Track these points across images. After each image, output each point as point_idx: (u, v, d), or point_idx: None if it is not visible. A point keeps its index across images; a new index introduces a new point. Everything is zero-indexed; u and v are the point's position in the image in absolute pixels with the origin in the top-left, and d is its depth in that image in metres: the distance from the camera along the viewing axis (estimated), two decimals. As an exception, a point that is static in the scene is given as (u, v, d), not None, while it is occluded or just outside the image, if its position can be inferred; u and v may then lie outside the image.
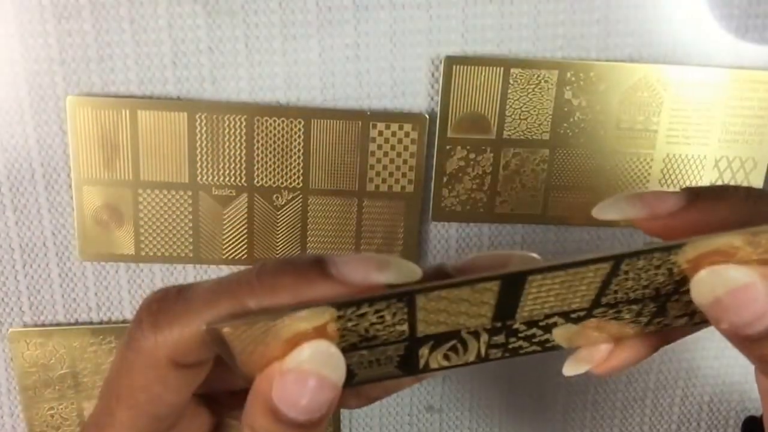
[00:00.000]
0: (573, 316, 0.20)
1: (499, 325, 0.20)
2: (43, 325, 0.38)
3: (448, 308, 0.19)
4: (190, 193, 0.36)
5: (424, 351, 0.20)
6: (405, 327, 0.19)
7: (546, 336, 0.21)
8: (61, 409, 0.39)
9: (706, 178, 0.37)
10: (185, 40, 0.35)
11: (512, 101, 0.36)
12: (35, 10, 0.34)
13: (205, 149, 0.36)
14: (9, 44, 0.34)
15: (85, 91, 0.35)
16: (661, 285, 0.19)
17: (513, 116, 0.36)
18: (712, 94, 0.36)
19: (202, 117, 0.35)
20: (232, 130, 0.36)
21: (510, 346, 0.21)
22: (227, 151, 0.36)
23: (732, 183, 0.37)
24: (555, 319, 0.20)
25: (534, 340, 0.21)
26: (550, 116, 0.36)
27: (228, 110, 0.35)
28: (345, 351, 0.19)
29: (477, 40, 0.35)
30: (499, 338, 0.20)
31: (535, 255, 0.21)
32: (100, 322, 0.38)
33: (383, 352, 0.20)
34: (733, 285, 0.18)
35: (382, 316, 0.18)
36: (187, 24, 0.34)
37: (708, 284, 0.18)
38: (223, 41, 0.35)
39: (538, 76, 0.35)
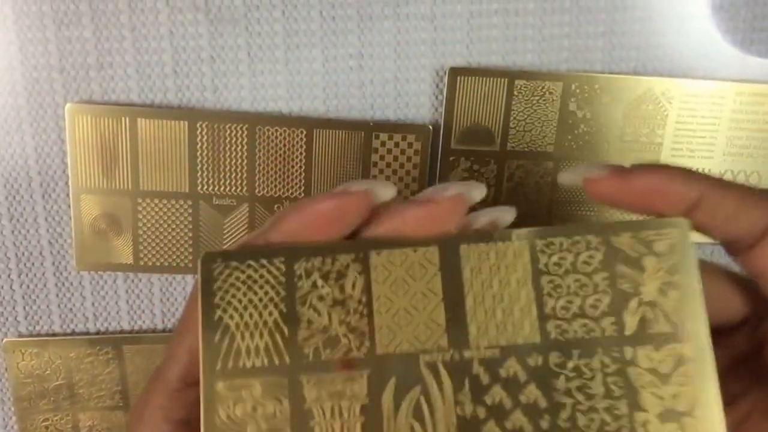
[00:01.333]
0: (530, 362, 0.20)
1: (457, 357, 0.20)
2: (39, 335, 0.37)
3: (399, 292, 0.20)
4: (190, 202, 0.36)
5: (387, 402, 0.20)
6: (365, 324, 0.20)
7: (519, 419, 0.20)
8: (56, 420, 0.38)
9: (710, 191, 0.36)
10: (187, 48, 0.34)
11: (516, 113, 0.35)
12: (35, 16, 0.33)
13: (205, 158, 0.35)
14: (8, 51, 0.34)
15: (85, 99, 0.34)
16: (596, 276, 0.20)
17: (517, 128, 0.36)
18: (717, 108, 0.36)
19: (203, 126, 0.35)
20: (234, 140, 0.35)
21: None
22: (228, 160, 0.35)
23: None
24: (513, 365, 0.20)
25: (507, 425, 0.20)
26: (555, 128, 0.36)
27: (229, 119, 0.35)
28: (305, 370, 0.20)
29: (482, 52, 0.35)
30: (465, 399, 0.20)
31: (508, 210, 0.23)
32: (97, 333, 0.38)
33: (344, 392, 0.20)
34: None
35: (342, 286, 0.20)
36: (188, 32, 0.34)
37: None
38: (225, 50, 0.34)
39: (543, 88, 0.35)
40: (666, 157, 0.36)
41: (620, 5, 0.35)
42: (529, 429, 0.20)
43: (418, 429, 0.20)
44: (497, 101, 0.35)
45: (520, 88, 0.35)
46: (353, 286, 0.20)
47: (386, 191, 0.22)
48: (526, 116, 0.35)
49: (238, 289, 0.20)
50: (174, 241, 0.36)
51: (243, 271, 0.20)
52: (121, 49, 0.34)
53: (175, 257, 0.37)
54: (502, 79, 0.35)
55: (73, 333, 0.38)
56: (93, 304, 0.37)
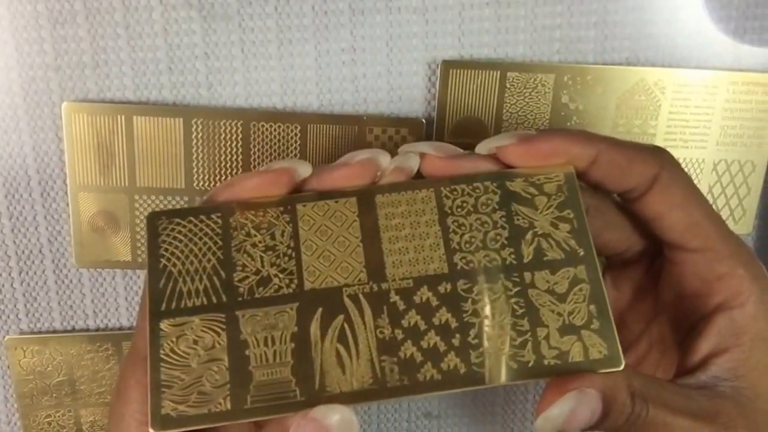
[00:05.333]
0: (440, 289, 0.22)
1: (375, 288, 0.22)
2: (40, 332, 0.38)
3: (323, 237, 0.23)
4: (186, 198, 0.36)
5: (315, 330, 0.22)
6: (293, 265, 0.22)
7: (433, 338, 0.22)
8: (59, 416, 0.38)
9: (704, 181, 0.36)
10: (181, 45, 0.34)
11: (509, 105, 0.36)
12: (30, 15, 0.34)
13: (201, 155, 0.36)
14: (4, 50, 0.34)
15: (81, 98, 0.35)
16: (489, 214, 0.23)
17: (510, 120, 0.36)
18: (710, 97, 0.36)
19: (198, 123, 0.35)
20: (229, 136, 0.35)
21: (401, 354, 0.22)
22: (223, 156, 0.36)
23: (730, 187, 0.37)
24: (426, 293, 0.22)
25: (423, 344, 0.22)
26: (548, 120, 0.36)
27: (224, 116, 0.35)
28: (240, 306, 0.22)
29: (474, 44, 0.35)
30: (384, 323, 0.22)
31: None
32: (97, 329, 0.38)
33: (276, 324, 0.22)
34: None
35: (272, 234, 0.23)
36: (182, 29, 0.34)
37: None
38: (219, 46, 0.35)
39: (535, 79, 0.35)
40: (660, 147, 0.36)
41: (611, -4, 0.35)
42: (442, 346, 0.22)
43: (343, 352, 0.22)
44: (490, 94, 0.35)
45: (512, 81, 0.35)
46: (282, 233, 0.23)
47: (303, 168, 0.24)
48: (518, 108, 0.36)
49: (180, 241, 0.23)
50: (171, 238, 0.37)
51: (184, 226, 0.23)
52: (115, 47, 0.34)
53: (172, 253, 0.37)
54: (495, 72, 0.35)
55: (73, 330, 0.38)
56: (93, 300, 0.38)
